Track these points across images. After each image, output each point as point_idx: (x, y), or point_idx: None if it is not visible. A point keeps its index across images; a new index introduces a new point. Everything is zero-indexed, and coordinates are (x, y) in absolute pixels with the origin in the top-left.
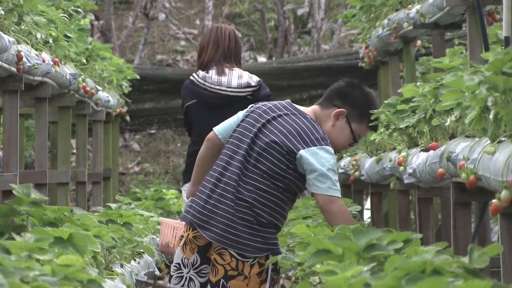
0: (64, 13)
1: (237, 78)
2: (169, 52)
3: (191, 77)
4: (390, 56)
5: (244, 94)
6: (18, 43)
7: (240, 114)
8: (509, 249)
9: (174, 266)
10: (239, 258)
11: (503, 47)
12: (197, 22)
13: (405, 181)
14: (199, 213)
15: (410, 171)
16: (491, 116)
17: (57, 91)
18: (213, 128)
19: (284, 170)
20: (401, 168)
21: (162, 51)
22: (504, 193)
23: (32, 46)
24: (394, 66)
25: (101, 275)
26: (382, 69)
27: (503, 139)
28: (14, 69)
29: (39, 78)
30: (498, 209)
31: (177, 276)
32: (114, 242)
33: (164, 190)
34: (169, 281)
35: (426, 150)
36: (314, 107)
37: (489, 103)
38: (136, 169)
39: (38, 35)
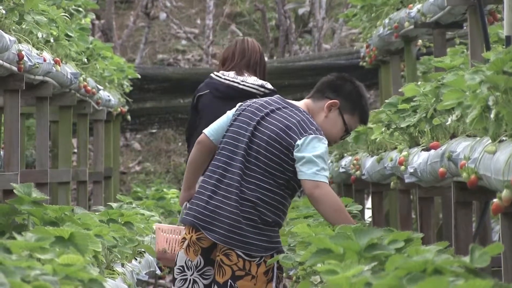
0: (65, 13)
1: (254, 80)
2: (170, 52)
3: (210, 75)
4: (391, 55)
5: (256, 91)
6: (19, 42)
7: (230, 114)
8: (510, 248)
9: (177, 268)
10: (246, 258)
11: (504, 47)
12: (198, 21)
13: (406, 181)
14: (202, 215)
15: (411, 170)
16: (492, 116)
17: (58, 90)
18: (203, 131)
19: (283, 165)
20: (402, 167)
21: (163, 51)
22: (505, 193)
23: (33, 46)
24: (395, 65)
25: (102, 275)
26: (383, 69)
27: (504, 138)
28: (15, 68)
29: (40, 78)
30: (499, 208)
31: (181, 279)
32: (115, 241)
33: (165, 190)
34: (173, 284)
35: (427, 149)
36: (306, 101)
37: (490, 103)
38: (137, 168)
39: (39, 34)
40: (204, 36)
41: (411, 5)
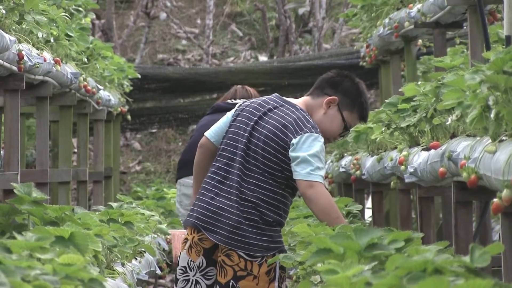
0: (65, 12)
1: None
2: (170, 51)
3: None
4: (391, 55)
5: None
6: (19, 42)
7: (229, 115)
8: (510, 248)
9: (180, 269)
10: (247, 258)
11: (504, 46)
12: (198, 21)
13: (406, 180)
14: (204, 216)
15: (411, 170)
16: (492, 115)
17: (58, 90)
18: (205, 133)
19: (281, 164)
20: (402, 167)
21: (163, 50)
22: (505, 192)
23: (33, 45)
24: (395, 65)
25: (102, 274)
26: (383, 68)
27: (504, 138)
28: (15, 68)
29: (40, 77)
30: (499, 208)
31: (183, 279)
32: (115, 241)
33: (165, 189)
34: (175, 285)
35: (427, 149)
36: (305, 98)
37: (490, 102)
38: (137, 168)
39: (39, 34)
40: (204, 36)
41: (411, 5)
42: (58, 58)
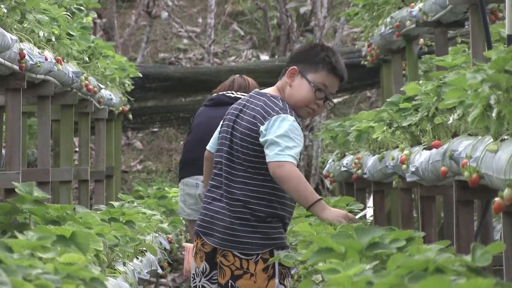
0: (66, 11)
1: None
2: (172, 50)
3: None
4: (392, 54)
5: None
6: (21, 41)
7: (221, 122)
8: None
9: (191, 276)
10: (242, 257)
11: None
12: (200, 20)
13: (408, 179)
14: (202, 221)
15: (413, 169)
16: (493, 114)
17: (60, 89)
18: (206, 147)
19: (260, 155)
20: (404, 166)
21: (165, 49)
22: (506, 191)
23: (34, 44)
24: (397, 64)
25: (103, 273)
26: (385, 67)
27: (505, 137)
28: (16, 67)
29: (42, 76)
30: (500, 207)
31: (193, 286)
32: (117, 240)
33: (166, 188)
34: None
35: (429, 148)
36: (276, 84)
37: (492, 101)
38: (139, 167)
39: (41, 33)
40: (205, 35)
41: (412, 4)
42: (59, 57)
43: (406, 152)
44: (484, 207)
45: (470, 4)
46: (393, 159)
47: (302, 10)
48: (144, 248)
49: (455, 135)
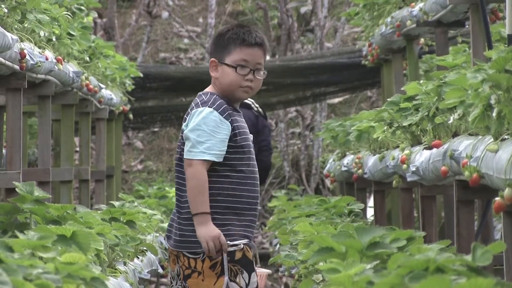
0: (67, 11)
1: None
2: (172, 50)
3: None
4: (393, 54)
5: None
6: (21, 41)
7: None
8: None
9: (169, 280)
10: (190, 256)
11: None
12: (200, 20)
13: (408, 179)
14: (168, 225)
15: (413, 169)
16: (494, 114)
17: (60, 89)
18: None
19: None
20: (404, 166)
21: (165, 49)
22: (507, 191)
23: (35, 44)
24: (397, 64)
25: (104, 273)
26: (385, 67)
27: (506, 137)
28: (17, 67)
29: (42, 76)
30: (501, 207)
31: None
32: (117, 240)
33: (167, 188)
34: None
35: (429, 148)
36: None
37: (492, 101)
38: (139, 167)
39: (41, 33)
40: (206, 35)
41: (413, 3)
42: (60, 57)
43: (406, 151)
44: (485, 207)
45: (471, 4)
46: (393, 158)
47: (303, 10)
48: (145, 248)
49: (455, 134)
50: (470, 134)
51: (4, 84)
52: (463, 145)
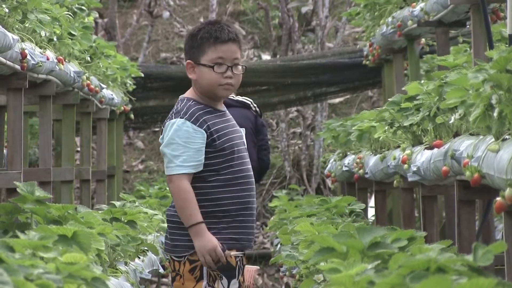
0: (68, 11)
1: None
2: (173, 50)
3: None
4: (394, 54)
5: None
6: (23, 41)
7: None
8: None
9: None
10: (175, 259)
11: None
12: (201, 20)
13: (409, 179)
14: None
15: (414, 169)
16: (495, 114)
17: (61, 89)
18: None
19: None
20: (405, 166)
21: (166, 49)
22: (508, 191)
23: (36, 44)
24: (398, 64)
25: (105, 273)
26: (386, 67)
27: (507, 137)
28: (18, 67)
29: (43, 76)
30: (502, 207)
31: None
32: (118, 240)
33: (168, 188)
34: None
35: (430, 148)
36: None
37: (493, 101)
38: (140, 167)
39: (43, 33)
40: None
41: (414, 3)
42: (61, 57)
43: (407, 151)
44: (486, 207)
45: (472, 3)
46: (394, 158)
47: (304, 9)
48: (146, 248)
49: (456, 134)
50: (471, 134)
51: (5, 84)
52: (464, 145)
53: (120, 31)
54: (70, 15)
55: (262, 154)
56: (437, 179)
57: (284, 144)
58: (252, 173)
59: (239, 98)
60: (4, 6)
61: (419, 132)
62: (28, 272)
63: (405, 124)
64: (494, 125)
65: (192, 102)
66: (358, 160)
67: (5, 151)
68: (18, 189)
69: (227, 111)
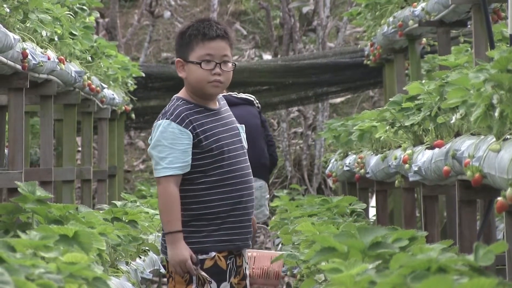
0: (69, 11)
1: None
2: (174, 50)
3: None
4: (395, 53)
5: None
6: (24, 40)
7: None
8: None
9: None
10: (169, 261)
11: (508, 45)
12: None
13: (410, 179)
14: None
15: (415, 169)
16: (496, 114)
17: (63, 88)
18: None
19: None
20: (407, 166)
21: (168, 49)
22: (509, 191)
23: (37, 44)
24: (399, 64)
25: (106, 273)
26: (388, 67)
27: (508, 136)
28: (19, 67)
29: (44, 76)
30: (503, 206)
31: None
32: (120, 240)
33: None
34: None
35: (432, 147)
36: None
37: (495, 101)
38: (141, 166)
39: (44, 33)
40: None
41: (415, 3)
42: (62, 57)
43: (408, 151)
44: (487, 207)
45: (473, 3)
46: (395, 158)
47: (305, 9)
48: (147, 248)
49: (457, 134)
50: (472, 134)
51: (6, 84)
52: (465, 145)
53: (121, 31)
54: (71, 15)
55: (271, 150)
56: (438, 179)
57: (285, 144)
58: (248, 171)
59: (242, 95)
60: (5, 6)
61: (420, 132)
62: (29, 272)
63: (406, 124)
64: (495, 125)
65: (181, 101)
66: (359, 160)
67: (6, 151)
68: (19, 189)
69: (222, 110)
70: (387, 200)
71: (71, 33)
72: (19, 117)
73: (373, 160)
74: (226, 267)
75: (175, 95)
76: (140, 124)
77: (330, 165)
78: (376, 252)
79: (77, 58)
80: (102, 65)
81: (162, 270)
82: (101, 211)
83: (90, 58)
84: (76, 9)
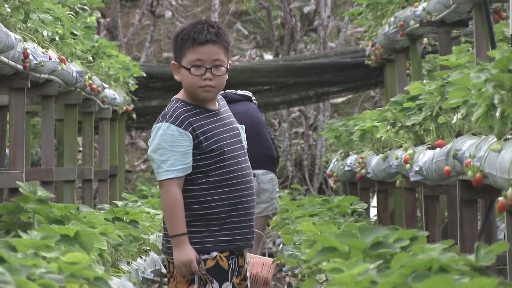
0: (70, 11)
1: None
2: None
3: None
4: (396, 53)
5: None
6: (25, 40)
7: None
8: None
9: None
10: (170, 261)
11: (509, 45)
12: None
13: (412, 179)
14: None
15: (417, 168)
16: (497, 114)
17: (64, 88)
18: None
19: None
20: (408, 165)
21: (169, 49)
22: (510, 191)
23: (38, 44)
24: (401, 63)
25: (107, 273)
26: (389, 67)
27: (509, 136)
28: (20, 67)
29: (46, 76)
30: (504, 206)
31: None
32: (121, 239)
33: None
34: None
35: (433, 147)
36: None
37: (496, 101)
38: (143, 166)
39: (45, 33)
40: None
41: (416, 3)
42: (63, 57)
43: (409, 151)
44: (488, 207)
45: (474, 3)
46: (396, 158)
47: (306, 9)
48: (148, 248)
49: (458, 134)
50: (473, 134)
51: (7, 84)
52: (466, 145)
53: (122, 31)
54: (72, 14)
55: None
56: (439, 179)
57: (286, 144)
58: (249, 171)
59: (240, 91)
60: (6, 6)
61: (421, 132)
62: (30, 272)
63: (407, 124)
64: (496, 125)
65: (180, 103)
66: (360, 159)
67: (7, 151)
68: (20, 189)
69: (221, 110)
70: (388, 200)
71: (72, 33)
72: (20, 117)
73: (374, 160)
74: (228, 267)
75: (174, 97)
76: (141, 124)
77: (331, 165)
78: (377, 252)
79: (78, 58)
80: (103, 65)
81: (163, 270)
82: (102, 211)
83: (91, 58)
84: (77, 9)
